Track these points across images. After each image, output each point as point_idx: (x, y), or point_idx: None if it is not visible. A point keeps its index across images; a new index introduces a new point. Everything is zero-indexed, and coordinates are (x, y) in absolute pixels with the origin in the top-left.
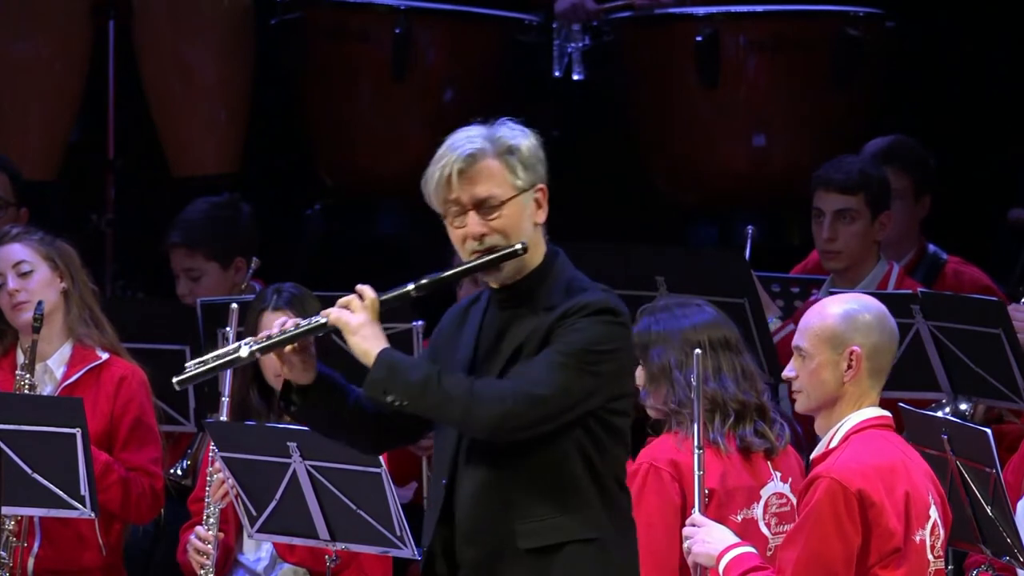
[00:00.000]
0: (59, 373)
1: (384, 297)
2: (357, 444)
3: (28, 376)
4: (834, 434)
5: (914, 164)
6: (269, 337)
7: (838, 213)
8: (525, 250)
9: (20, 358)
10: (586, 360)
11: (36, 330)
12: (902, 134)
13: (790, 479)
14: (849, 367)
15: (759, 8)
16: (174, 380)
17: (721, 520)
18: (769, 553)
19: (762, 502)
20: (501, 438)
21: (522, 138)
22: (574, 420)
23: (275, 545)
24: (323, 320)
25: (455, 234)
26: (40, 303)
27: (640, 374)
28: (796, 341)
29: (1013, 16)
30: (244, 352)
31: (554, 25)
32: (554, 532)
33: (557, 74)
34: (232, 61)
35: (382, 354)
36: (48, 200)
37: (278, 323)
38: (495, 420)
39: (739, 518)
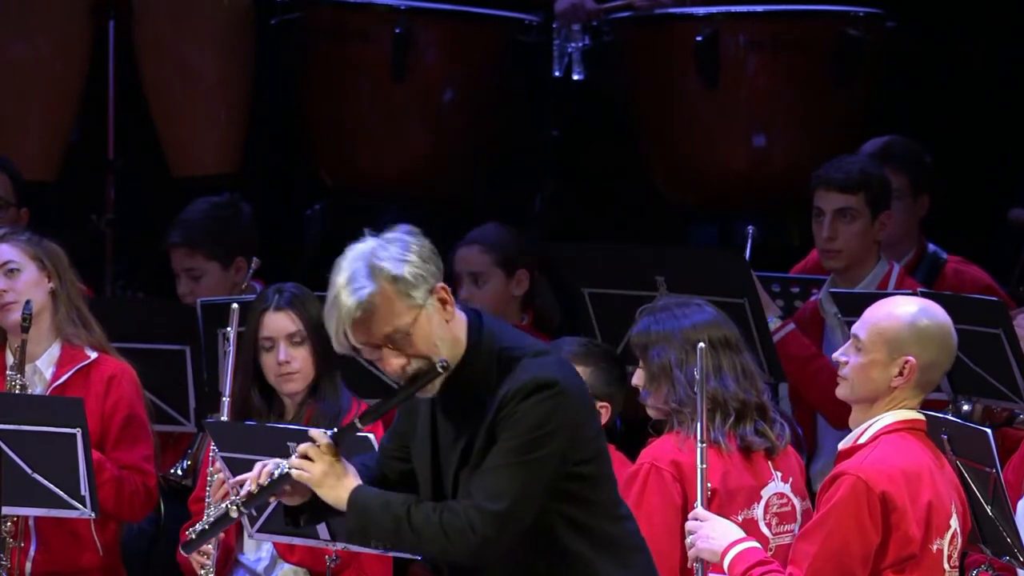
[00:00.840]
0: (48, 373)
1: (336, 434)
2: None
3: (19, 376)
4: (865, 429)
5: (911, 163)
6: (250, 494)
7: (838, 212)
8: (446, 368)
9: (10, 359)
10: (532, 449)
11: (25, 330)
12: (902, 134)
13: (791, 479)
14: (900, 374)
15: (759, 8)
16: (183, 551)
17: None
18: (770, 553)
19: (763, 502)
20: (484, 563)
21: (402, 259)
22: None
23: (275, 545)
24: (286, 472)
25: (384, 368)
26: (28, 303)
27: (640, 374)
28: (856, 329)
29: (1013, 16)
30: (234, 513)
31: (554, 25)
32: None
33: (557, 74)
34: (232, 61)
35: (351, 501)
36: (48, 200)
37: (253, 473)
38: (472, 553)
39: (740, 518)
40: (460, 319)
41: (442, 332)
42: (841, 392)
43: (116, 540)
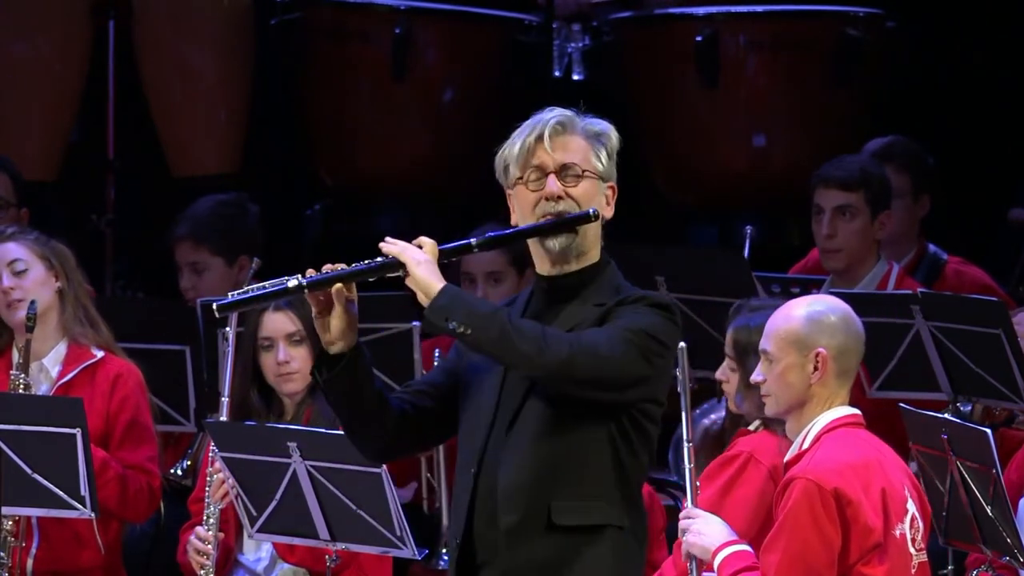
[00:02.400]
0: (54, 372)
1: (444, 247)
2: (369, 438)
3: (23, 376)
4: (805, 435)
5: (912, 163)
6: (323, 274)
7: (837, 210)
8: (597, 216)
9: (16, 357)
10: (647, 345)
11: (30, 329)
12: (902, 134)
13: None
14: (816, 369)
15: (759, 8)
16: (215, 306)
17: None
18: None
19: None
20: (560, 383)
21: (611, 131)
22: (612, 408)
23: (275, 545)
24: (385, 258)
25: (528, 198)
26: (33, 302)
27: (731, 373)
28: (762, 345)
29: (1013, 16)
30: (293, 283)
31: (554, 25)
32: (591, 513)
33: (557, 74)
34: (232, 61)
35: (447, 286)
36: (48, 200)
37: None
38: (563, 361)
39: None
40: (599, 238)
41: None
42: (769, 409)
43: (118, 540)
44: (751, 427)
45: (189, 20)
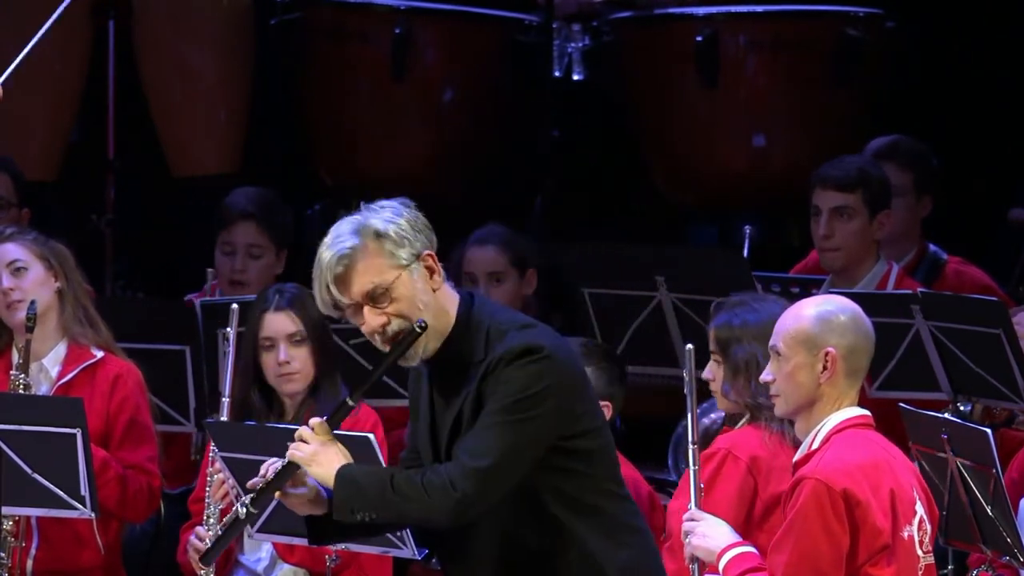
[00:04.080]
0: (54, 372)
1: (330, 417)
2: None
3: (23, 376)
4: (815, 436)
5: (916, 162)
6: (258, 491)
7: (835, 210)
8: (424, 328)
9: (16, 358)
10: (520, 410)
11: (30, 329)
12: (902, 134)
13: None
14: (825, 368)
15: (759, 8)
16: (201, 563)
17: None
18: None
19: None
20: (461, 522)
21: (391, 220)
22: (530, 468)
23: (275, 545)
24: (287, 460)
25: (363, 330)
26: (33, 303)
27: (716, 369)
28: (772, 342)
29: (1013, 16)
30: (242, 512)
31: (554, 25)
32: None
33: (557, 74)
34: (232, 61)
35: (339, 473)
36: (48, 200)
37: (263, 468)
38: (451, 511)
39: None
40: (451, 295)
41: (427, 298)
42: (778, 409)
43: (118, 540)
44: (739, 424)
45: (189, 20)
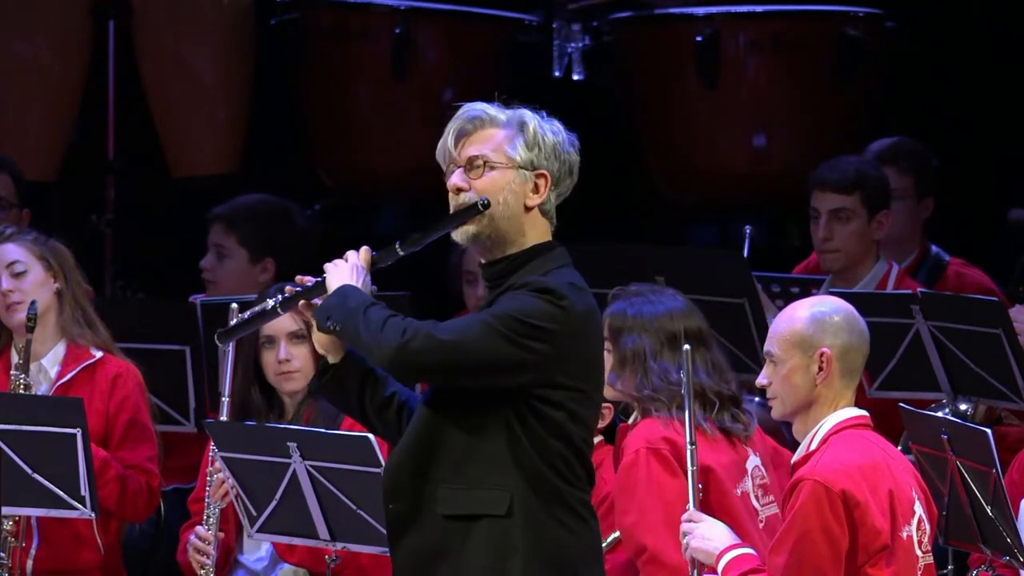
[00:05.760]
0: (53, 372)
1: (376, 253)
2: (382, 435)
3: (23, 376)
4: (813, 437)
5: (916, 164)
6: (293, 294)
7: (834, 213)
8: (486, 206)
9: (15, 358)
10: (512, 328)
11: (30, 330)
12: (901, 134)
13: (759, 455)
14: (820, 369)
15: (759, 8)
16: (217, 334)
17: (726, 495)
18: (761, 524)
19: (749, 475)
20: (400, 371)
21: (541, 128)
22: (500, 394)
23: (275, 545)
24: (322, 276)
25: (447, 184)
26: (33, 303)
27: (607, 357)
28: (767, 347)
29: (1013, 16)
30: (270, 305)
31: (554, 25)
32: (468, 503)
33: (557, 74)
34: (232, 61)
35: (344, 286)
36: (48, 201)
37: (298, 277)
38: (390, 349)
39: (738, 491)
40: (542, 226)
41: (514, 203)
42: (776, 412)
43: (118, 540)
44: (631, 418)
45: (189, 20)
